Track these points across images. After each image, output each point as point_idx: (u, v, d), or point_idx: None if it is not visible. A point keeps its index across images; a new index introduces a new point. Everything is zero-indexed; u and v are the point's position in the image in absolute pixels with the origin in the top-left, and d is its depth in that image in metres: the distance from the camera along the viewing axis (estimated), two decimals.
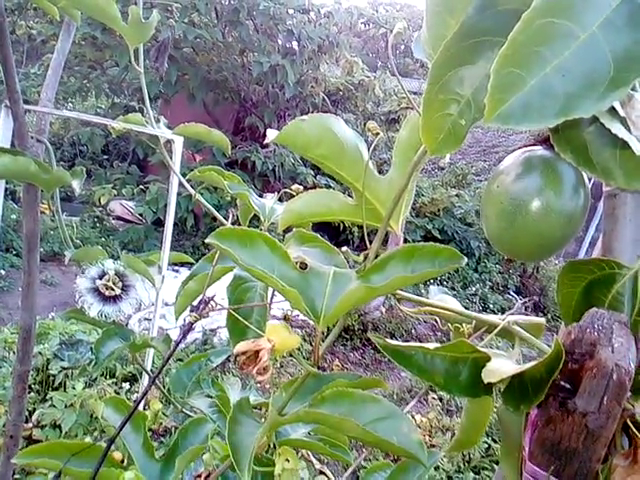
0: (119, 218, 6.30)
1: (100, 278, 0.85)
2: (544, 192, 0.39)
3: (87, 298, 0.84)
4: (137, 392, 2.56)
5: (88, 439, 2.01)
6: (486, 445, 3.10)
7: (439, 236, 6.99)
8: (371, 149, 0.48)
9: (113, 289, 0.85)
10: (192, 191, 0.80)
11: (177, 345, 0.55)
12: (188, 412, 0.91)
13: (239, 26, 5.49)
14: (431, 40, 0.44)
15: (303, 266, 0.49)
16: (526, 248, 0.40)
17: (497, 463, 3.00)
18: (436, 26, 0.43)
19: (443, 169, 9.58)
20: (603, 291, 0.40)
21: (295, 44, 5.89)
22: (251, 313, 0.54)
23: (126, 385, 2.50)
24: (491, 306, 6.23)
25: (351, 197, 0.54)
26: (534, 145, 0.42)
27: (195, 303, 0.58)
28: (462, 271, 6.86)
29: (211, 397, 0.92)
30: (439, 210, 7.22)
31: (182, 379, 0.92)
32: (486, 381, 0.40)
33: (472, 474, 2.98)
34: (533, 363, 0.35)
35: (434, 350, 0.45)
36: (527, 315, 0.50)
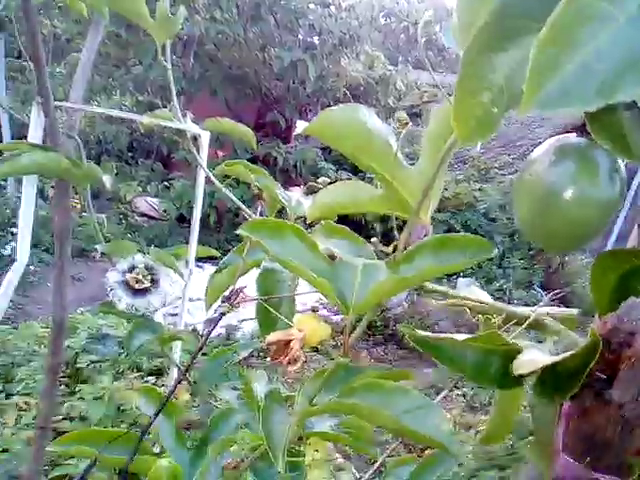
0: (144, 215, 6.39)
1: (130, 271, 0.86)
2: (579, 180, 0.38)
3: (117, 291, 0.86)
4: (163, 385, 2.60)
5: None
6: (510, 442, 3.07)
7: (462, 231, 6.92)
8: (400, 139, 0.48)
9: (142, 282, 0.86)
10: (220, 185, 0.81)
11: (208, 335, 0.56)
12: (215, 404, 0.92)
13: (260, 21, 5.50)
14: (461, 28, 0.44)
15: (331, 258, 0.50)
16: (561, 238, 0.40)
17: (520, 461, 2.97)
18: (467, 13, 0.42)
19: (466, 163, 9.47)
20: None
21: (316, 39, 5.88)
22: (280, 304, 0.55)
23: (151, 379, 2.55)
24: (515, 301, 6.14)
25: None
26: (567, 133, 0.42)
27: (226, 294, 0.59)
28: (486, 266, 6.78)
29: (237, 389, 0.93)
30: (462, 205, 7.14)
31: (209, 372, 0.93)
32: (517, 373, 0.39)
33: (496, 471, 2.95)
34: (567, 354, 0.35)
35: (464, 341, 0.44)
36: (559, 307, 0.49)
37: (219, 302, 0.55)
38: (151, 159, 6.85)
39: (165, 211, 5.92)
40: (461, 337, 0.45)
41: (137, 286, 0.87)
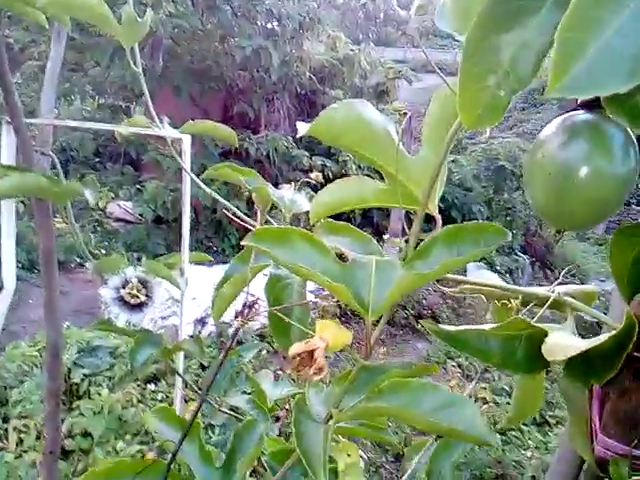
0: (119, 220, 6.27)
1: (124, 287, 0.84)
2: (593, 157, 0.37)
3: (113, 309, 0.83)
4: (161, 392, 2.58)
5: (120, 444, 2.02)
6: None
7: (440, 204, 6.97)
8: (401, 131, 0.46)
9: (138, 297, 0.83)
10: (208, 190, 0.78)
11: (228, 350, 0.54)
12: (226, 411, 0.91)
13: (217, 12, 5.39)
14: (456, 11, 0.42)
15: (339, 256, 0.48)
16: (579, 216, 0.39)
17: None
18: None
19: None
20: None
21: (276, 24, 5.79)
22: (291, 311, 0.53)
23: (150, 386, 2.52)
24: (498, 267, 6.23)
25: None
26: (575, 110, 0.41)
27: (234, 304, 0.57)
28: None
29: (247, 393, 0.92)
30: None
31: (217, 379, 0.92)
32: (550, 359, 0.39)
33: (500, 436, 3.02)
34: (604, 338, 0.34)
35: (489, 331, 0.44)
36: (575, 284, 0.49)
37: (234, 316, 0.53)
38: (120, 163, 6.72)
39: (141, 214, 5.82)
40: (485, 327, 0.44)
41: (133, 301, 0.84)
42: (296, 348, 0.42)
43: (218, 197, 0.77)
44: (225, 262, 4.96)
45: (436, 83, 0.50)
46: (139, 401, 2.31)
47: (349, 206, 0.52)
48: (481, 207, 7.20)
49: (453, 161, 7.75)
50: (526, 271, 6.38)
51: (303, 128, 0.41)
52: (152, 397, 2.53)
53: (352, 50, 7.24)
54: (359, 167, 6.07)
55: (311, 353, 0.42)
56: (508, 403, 3.09)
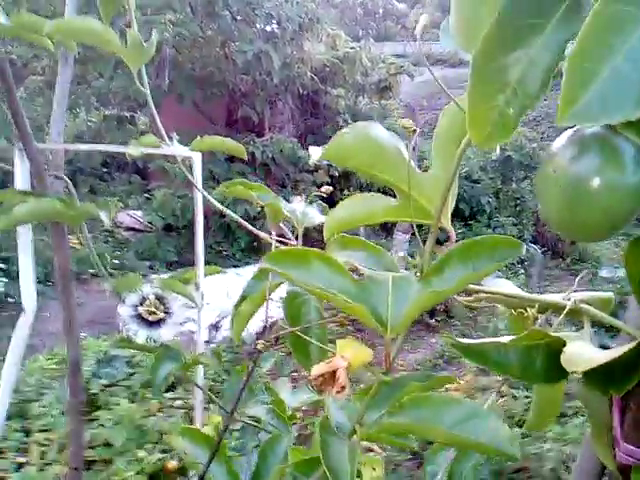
0: (129, 229, 6.32)
1: (141, 304, 0.85)
2: (606, 169, 0.38)
3: (132, 326, 0.84)
4: (179, 399, 2.60)
5: (142, 453, 2.05)
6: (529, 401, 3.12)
7: None
8: (410, 148, 0.47)
9: (156, 313, 0.85)
10: (220, 207, 0.79)
11: (251, 372, 0.55)
12: (245, 420, 0.92)
13: (216, 17, 5.41)
14: (460, 27, 0.43)
15: (352, 271, 0.49)
16: (592, 228, 0.39)
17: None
18: (466, 12, 0.41)
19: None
20: None
21: (275, 27, 5.80)
22: (310, 328, 0.54)
23: (168, 394, 2.54)
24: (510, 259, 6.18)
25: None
26: None
27: (252, 322, 0.58)
28: (475, 228, 6.82)
29: (265, 403, 0.93)
30: None
31: (234, 389, 0.93)
32: (571, 370, 0.39)
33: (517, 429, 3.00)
34: (624, 349, 0.35)
35: (508, 343, 0.44)
36: (591, 291, 0.49)
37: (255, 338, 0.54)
38: (127, 172, 6.77)
39: (150, 223, 5.86)
40: (504, 339, 0.45)
41: (151, 318, 0.86)
42: (318, 369, 0.42)
43: (232, 214, 0.78)
44: (236, 266, 4.98)
45: (438, 75, 0.50)
46: (158, 410, 2.33)
47: (362, 221, 0.53)
48: (489, 199, 7.16)
49: None
50: (537, 260, 6.34)
51: (316, 153, 0.42)
52: (170, 405, 2.55)
53: (352, 48, 7.23)
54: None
55: (333, 373, 0.43)
56: (526, 397, 3.08)
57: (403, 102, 8.17)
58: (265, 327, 0.50)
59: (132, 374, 2.96)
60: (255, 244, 5.76)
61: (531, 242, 6.93)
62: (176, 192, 5.69)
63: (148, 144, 0.87)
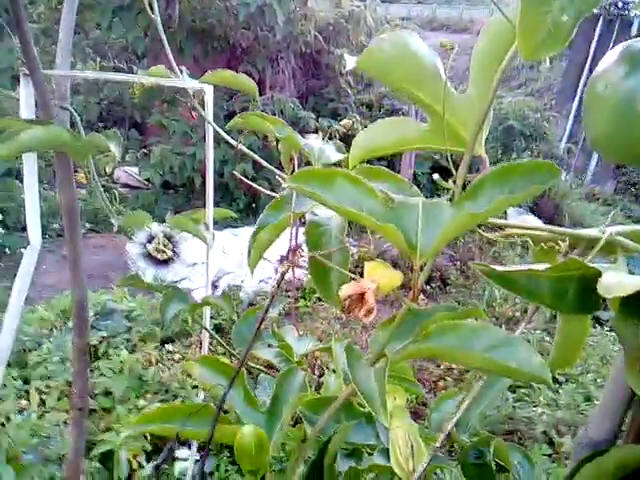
0: (126, 185, 6.25)
1: (150, 242, 0.84)
2: None
3: (140, 264, 0.83)
4: (177, 352, 2.62)
5: (142, 402, 2.07)
6: None
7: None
8: (448, 65, 0.45)
9: (165, 252, 0.83)
10: (234, 143, 0.77)
11: (266, 313, 0.54)
12: (252, 364, 0.92)
13: None
14: None
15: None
16: None
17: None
18: None
19: None
20: None
21: None
22: (329, 257, 0.53)
23: (168, 346, 2.56)
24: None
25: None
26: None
27: (267, 253, 0.56)
28: None
29: (271, 347, 0.92)
30: None
31: (243, 333, 0.92)
32: (607, 296, 0.38)
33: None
34: None
35: (540, 272, 0.43)
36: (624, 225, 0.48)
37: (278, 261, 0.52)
38: (124, 127, 6.65)
39: (148, 180, 5.80)
40: (539, 267, 0.44)
41: (160, 256, 0.84)
42: (347, 289, 0.41)
43: (247, 150, 0.75)
44: (235, 226, 4.96)
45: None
46: (157, 361, 2.35)
47: (390, 148, 0.51)
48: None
49: None
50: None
51: (350, 62, 0.39)
52: (169, 357, 2.58)
53: (357, 6, 7.02)
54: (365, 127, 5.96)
55: (361, 295, 0.41)
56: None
57: None
58: (289, 250, 0.48)
59: (130, 328, 2.98)
60: (253, 205, 5.72)
61: (530, 212, 6.90)
62: (174, 149, 5.61)
63: (158, 74, 0.83)
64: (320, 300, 3.96)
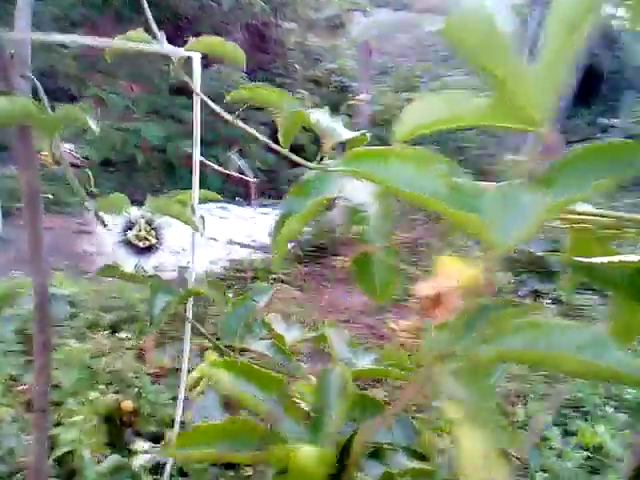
0: (72, 165, 5.87)
1: (130, 229, 0.74)
2: None
3: (119, 252, 0.74)
4: (130, 339, 2.49)
5: (94, 394, 1.95)
6: None
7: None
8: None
9: (147, 239, 0.75)
10: (227, 116, 0.69)
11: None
12: (242, 358, 0.86)
13: None
14: None
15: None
16: None
17: None
18: None
19: (386, 74, 9.30)
20: None
21: None
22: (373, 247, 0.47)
23: (119, 334, 2.43)
24: None
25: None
26: None
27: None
28: None
29: (263, 339, 0.87)
30: (393, 117, 7.11)
31: (231, 325, 0.86)
32: None
33: None
34: None
35: (618, 262, 0.40)
36: None
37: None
38: (61, 101, 6.22)
39: (86, 157, 5.47)
40: (614, 258, 0.40)
41: (142, 244, 0.75)
42: (424, 289, 0.36)
43: (243, 125, 0.68)
44: None
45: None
46: (109, 351, 2.22)
47: (443, 124, 0.45)
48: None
49: (408, 100, 7.69)
50: None
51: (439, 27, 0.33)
52: (121, 345, 2.44)
53: None
54: (315, 105, 5.89)
55: (437, 295, 0.36)
56: None
57: (354, 42, 7.93)
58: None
59: (75, 315, 2.81)
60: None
61: None
62: (113, 124, 5.31)
63: (138, 40, 0.74)
64: (275, 281, 3.89)
